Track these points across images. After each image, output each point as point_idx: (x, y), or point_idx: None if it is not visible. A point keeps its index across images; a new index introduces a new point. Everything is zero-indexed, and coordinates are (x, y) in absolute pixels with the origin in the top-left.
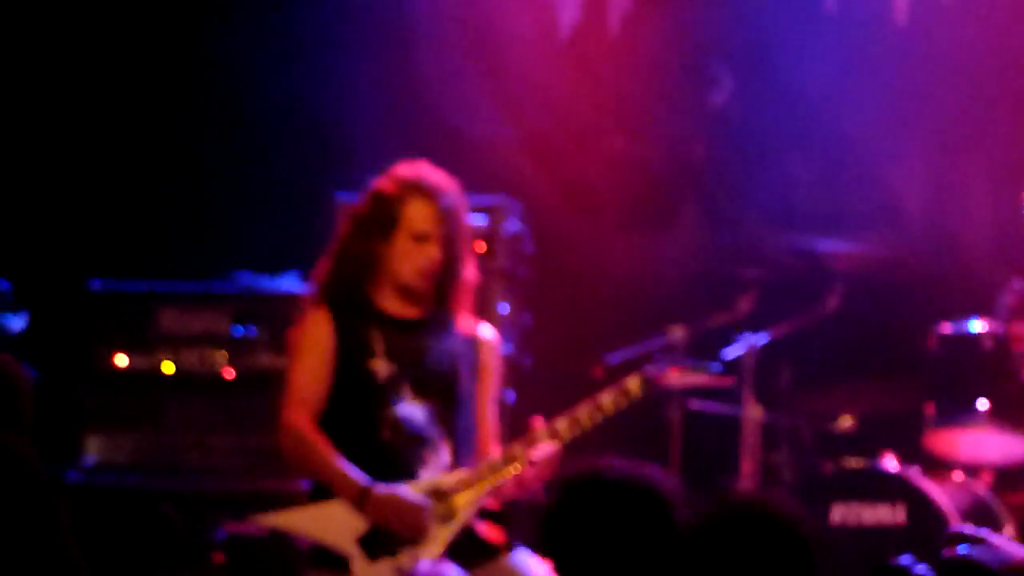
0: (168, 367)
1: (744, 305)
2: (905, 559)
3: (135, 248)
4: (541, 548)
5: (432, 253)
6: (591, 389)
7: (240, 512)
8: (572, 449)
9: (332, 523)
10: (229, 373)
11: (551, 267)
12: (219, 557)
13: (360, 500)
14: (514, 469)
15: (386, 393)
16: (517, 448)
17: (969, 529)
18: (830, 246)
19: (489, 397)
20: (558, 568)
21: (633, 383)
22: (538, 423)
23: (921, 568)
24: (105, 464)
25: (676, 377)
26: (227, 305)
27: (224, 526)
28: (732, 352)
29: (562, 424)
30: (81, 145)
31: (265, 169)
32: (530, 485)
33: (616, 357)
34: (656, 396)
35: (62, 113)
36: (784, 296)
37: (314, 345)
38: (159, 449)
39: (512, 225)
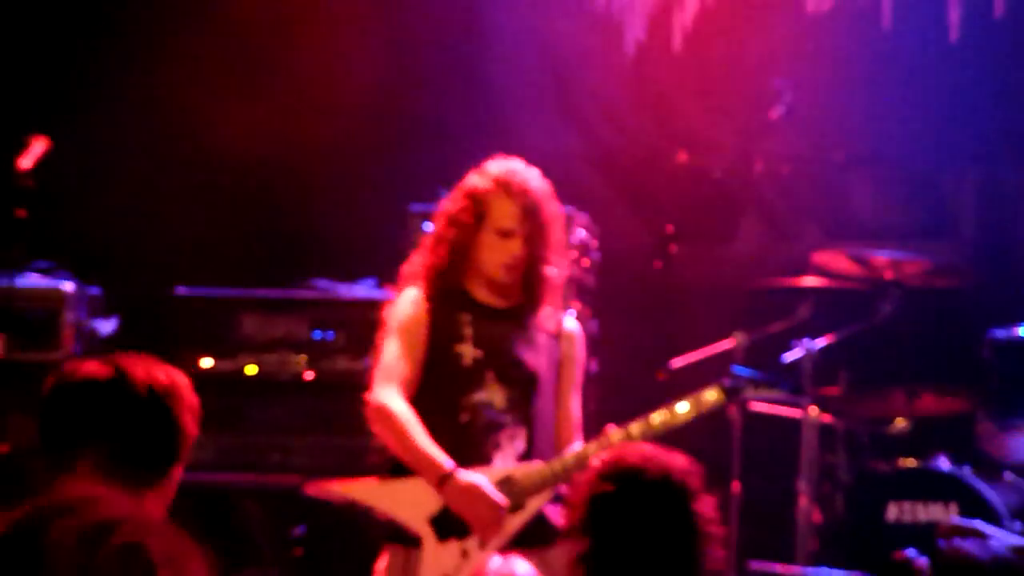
0: (251, 370)
1: (802, 312)
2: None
3: (219, 256)
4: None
5: (514, 249)
6: (655, 392)
7: (319, 508)
8: None
9: (406, 500)
10: (308, 375)
11: (617, 275)
12: (299, 551)
13: (441, 483)
14: (585, 468)
15: (470, 378)
16: (591, 448)
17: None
18: (885, 256)
19: (572, 387)
20: (595, 551)
21: (711, 394)
22: (611, 428)
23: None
24: (191, 462)
25: (751, 391)
26: (306, 311)
27: (306, 489)
28: (791, 357)
29: (636, 427)
30: (167, 158)
31: (344, 182)
32: None
33: (679, 362)
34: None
35: (148, 130)
36: (841, 303)
37: (407, 325)
38: (242, 448)
39: (579, 234)
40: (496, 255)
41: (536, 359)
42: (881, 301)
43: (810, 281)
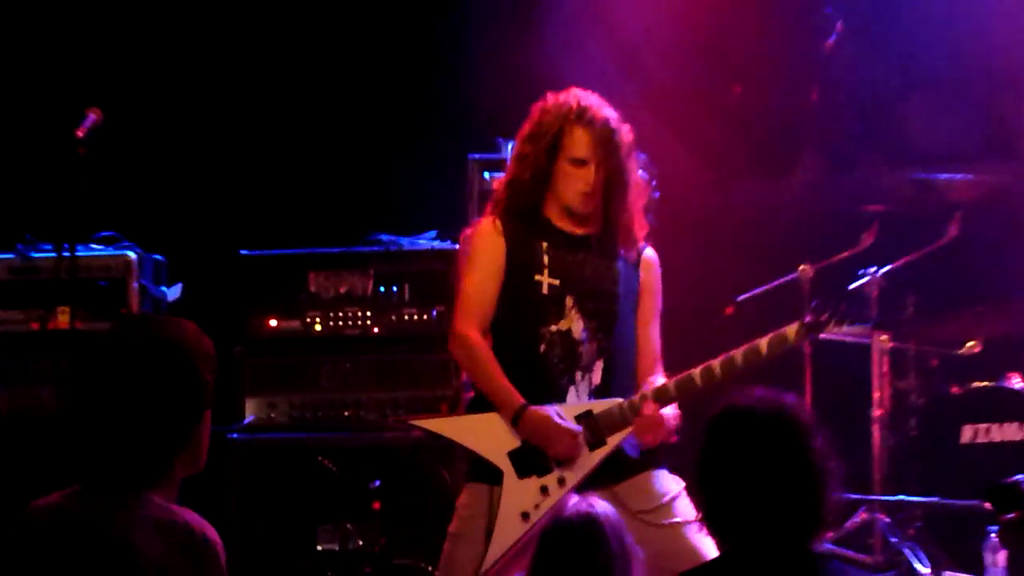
0: (318, 328)
1: (866, 240)
2: (1020, 476)
3: (280, 216)
4: (696, 482)
5: (588, 177)
6: (722, 327)
7: (394, 462)
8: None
9: (487, 434)
10: (375, 330)
11: (677, 215)
12: (376, 504)
13: (515, 417)
14: (665, 405)
15: (548, 308)
16: (671, 385)
17: None
18: (947, 178)
19: (651, 316)
20: (708, 500)
21: (791, 330)
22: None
23: None
24: (265, 422)
25: (832, 328)
26: (370, 266)
27: (389, 422)
28: (857, 285)
29: (718, 364)
30: (222, 120)
31: (400, 134)
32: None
33: (746, 296)
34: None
35: (201, 92)
36: (905, 228)
37: (486, 257)
38: (314, 406)
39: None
40: (572, 184)
41: (615, 288)
42: (945, 224)
43: (873, 208)
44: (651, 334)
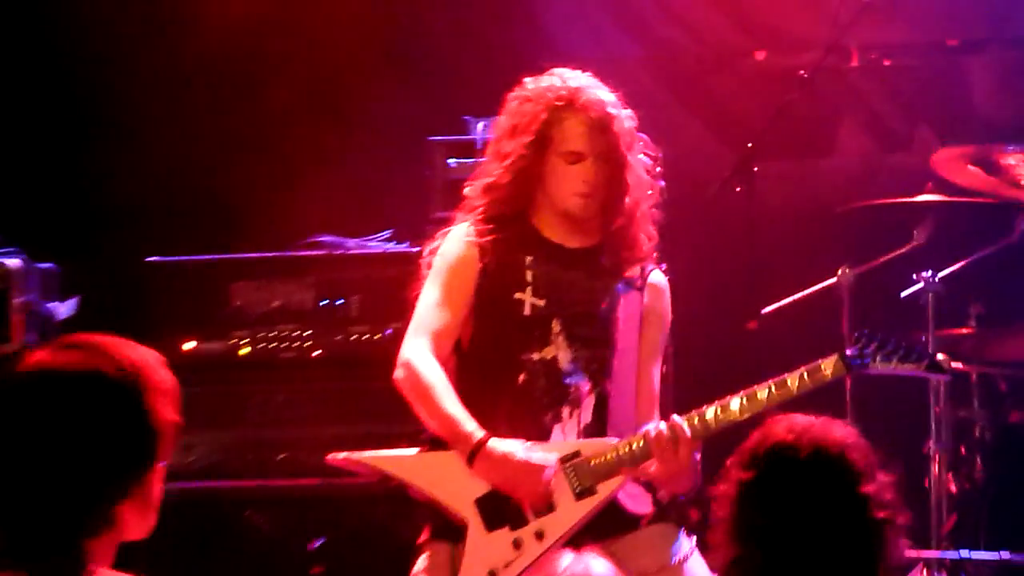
0: (245, 350)
1: (919, 236)
2: None
3: (197, 215)
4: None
5: (588, 174)
6: (744, 346)
7: (341, 515)
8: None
9: (449, 475)
10: (316, 353)
11: (688, 206)
12: (318, 569)
13: (472, 453)
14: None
15: (531, 332)
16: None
17: None
18: (1017, 159)
19: (652, 351)
20: (738, 552)
21: (828, 365)
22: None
23: None
24: (180, 468)
25: (879, 363)
26: (309, 274)
27: (329, 460)
28: (909, 292)
29: (736, 403)
30: (126, 93)
31: (346, 111)
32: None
33: (772, 308)
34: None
35: (100, 61)
36: (966, 222)
37: (453, 266)
38: (240, 447)
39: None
40: (567, 184)
41: (611, 313)
42: (1016, 215)
43: (926, 197)
44: (649, 373)
